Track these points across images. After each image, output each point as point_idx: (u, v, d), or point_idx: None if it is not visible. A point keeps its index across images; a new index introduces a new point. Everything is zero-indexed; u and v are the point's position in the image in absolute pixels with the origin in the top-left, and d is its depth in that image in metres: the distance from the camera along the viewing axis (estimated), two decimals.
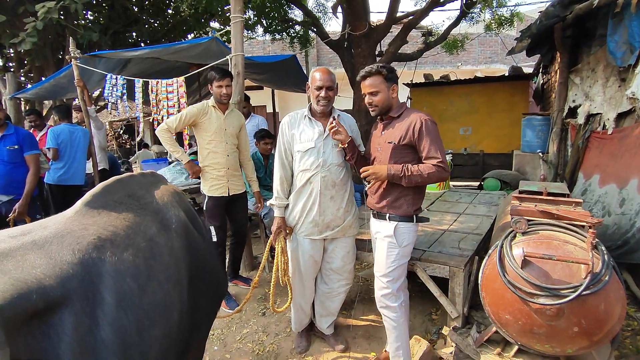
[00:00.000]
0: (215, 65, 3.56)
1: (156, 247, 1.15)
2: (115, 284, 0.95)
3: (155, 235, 1.18)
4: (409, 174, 2.05)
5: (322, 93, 2.28)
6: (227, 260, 3.59)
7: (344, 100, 5.96)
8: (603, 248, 1.74)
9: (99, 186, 1.21)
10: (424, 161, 2.09)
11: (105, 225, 1.07)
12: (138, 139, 11.86)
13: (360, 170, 2.18)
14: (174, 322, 1.12)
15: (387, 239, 2.18)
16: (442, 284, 2.57)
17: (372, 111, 2.20)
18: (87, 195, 1.16)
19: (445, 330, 2.50)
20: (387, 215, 2.18)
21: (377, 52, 6.21)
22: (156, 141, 13.89)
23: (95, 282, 0.92)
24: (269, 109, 11.27)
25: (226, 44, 4.61)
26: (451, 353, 2.37)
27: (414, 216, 2.18)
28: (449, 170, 2.07)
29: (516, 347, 2.07)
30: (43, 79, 6.29)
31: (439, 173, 2.03)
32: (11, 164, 3.46)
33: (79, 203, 1.13)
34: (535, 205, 2.06)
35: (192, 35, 8.23)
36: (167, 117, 4.10)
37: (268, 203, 2.51)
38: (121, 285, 0.97)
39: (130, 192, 1.28)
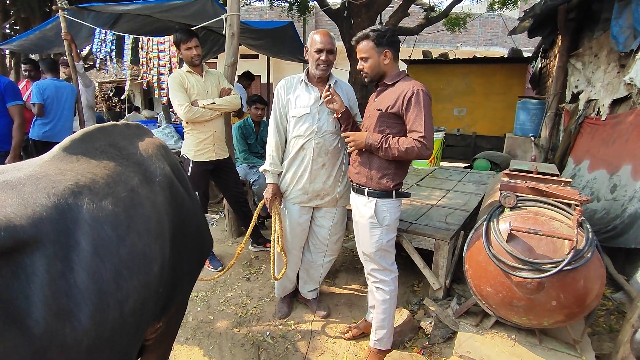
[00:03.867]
0: (183, 28, 3.36)
1: (137, 198, 1.11)
2: (92, 231, 0.92)
3: (137, 186, 1.14)
4: (386, 145, 1.92)
5: (323, 56, 2.20)
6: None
7: (340, 72, 5.85)
8: (588, 226, 1.75)
9: (79, 132, 1.15)
10: (407, 134, 1.94)
11: (84, 172, 1.03)
12: (123, 96, 11.56)
13: (342, 134, 2.13)
14: (154, 275, 1.10)
15: (370, 219, 2.07)
16: (427, 256, 2.59)
17: (364, 77, 2.11)
18: (66, 140, 1.10)
19: (426, 301, 2.55)
20: (366, 189, 2.07)
21: (376, 24, 6.06)
22: (147, 105, 13.63)
23: (71, 227, 0.89)
24: (264, 79, 11.06)
25: (222, 4, 4.44)
26: (430, 323, 2.42)
27: (394, 192, 2.05)
28: (432, 148, 1.89)
29: (494, 319, 2.12)
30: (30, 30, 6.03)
31: (418, 150, 1.86)
32: None
33: (56, 147, 1.07)
34: (525, 182, 2.06)
35: None
36: (158, 77, 4.00)
37: (261, 169, 2.45)
38: (98, 232, 0.94)
39: (112, 141, 1.22)
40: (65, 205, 0.90)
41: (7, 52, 6.67)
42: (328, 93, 2.13)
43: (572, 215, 1.79)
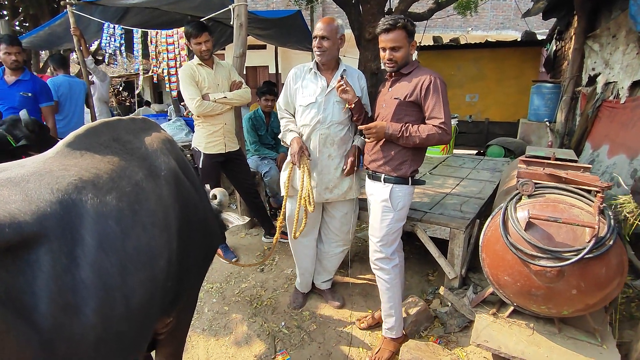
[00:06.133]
0: (194, 20, 3.32)
1: (142, 193, 1.11)
2: (96, 226, 0.92)
3: (141, 180, 1.13)
4: (407, 134, 1.98)
5: (316, 42, 2.20)
6: None
7: (350, 61, 5.77)
8: (610, 213, 1.70)
9: (83, 127, 1.15)
10: (426, 121, 2.01)
11: (88, 167, 1.02)
12: (136, 92, 11.63)
13: (360, 127, 2.11)
14: (161, 269, 1.10)
15: (383, 203, 2.12)
16: (441, 245, 2.57)
17: (389, 67, 2.07)
18: (70, 135, 1.10)
19: (442, 291, 2.53)
20: (383, 176, 2.11)
21: (386, 10, 5.94)
22: (156, 99, 13.69)
23: (75, 222, 0.89)
24: (272, 70, 11.00)
25: None
26: (446, 312, 2.41)
27: (410, 178, 2.11)
28: (451, 134, 1.98)
29: (511, 308, 2.09)
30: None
31: (439, 135, 1.95)
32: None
33: (60, 143, 1.07)
34: (543, 169, 2.00)
35: None
36: (167, 70, 3.99)
37: (280, 135, 2.40)
38: (103, 227, 0.94)
39: (116, 136, 1.22)
40: (69, 201, 0.90)
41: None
42: (341, 83, 2.10)
43: (593, 202, 1.75)
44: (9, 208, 0.79)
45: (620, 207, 1.94)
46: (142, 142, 1.30)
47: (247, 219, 1.98)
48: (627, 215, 1.91)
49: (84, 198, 0.94)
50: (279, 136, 2.43)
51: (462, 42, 8.35)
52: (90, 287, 0.86)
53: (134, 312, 0.97)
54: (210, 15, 3.74)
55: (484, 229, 2.04)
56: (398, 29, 1.96)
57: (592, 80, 4.57)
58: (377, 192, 2.15)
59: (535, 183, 1.94)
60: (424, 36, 8.41)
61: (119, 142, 1.21)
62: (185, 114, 7.15)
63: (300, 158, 2.24)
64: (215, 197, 1.88)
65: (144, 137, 1.33)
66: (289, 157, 2.36)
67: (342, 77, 2.16)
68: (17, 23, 7.95)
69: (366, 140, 2.17)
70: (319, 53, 2.22)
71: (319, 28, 2.18)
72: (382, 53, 2.06)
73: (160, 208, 1.16)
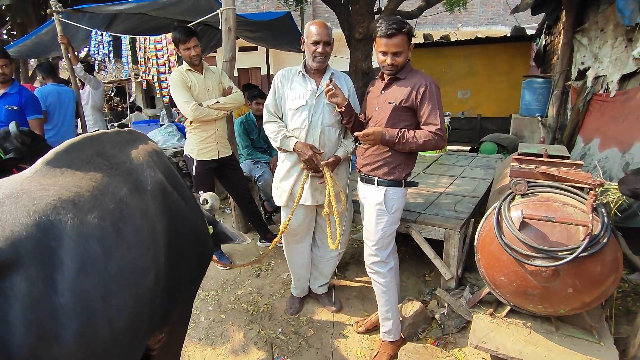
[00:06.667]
0: (181, 25, 3.27)
1: (127, 209, 1.07)
2: (76, 248, 0.88)
3: (126, 196, 1.10)
4: (404, 140, 1.98)
5: (319, 48, 2.15)
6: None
7: (341, 61, 5.75)
8: (603, 210, 1.70)
9: (65, 143, 1.10)
10: (422, 126, 2.01)
11: (68, 185, 0.98)
12: (130, 100, 11.55)
13: (356, 134, 2.06)
14: (147, 287, 1.07)
15: (377, 206, 2.10)
16: (437, 246, 2.56)
17: (388, 72, 2.03)
18: (50, 153, 1.06)
19: (439, 292, 2.52)
20: (376, 179, 2.10)
21: (375, 9, 5.93)
22: (149, 104, 13.60)
23: (54, 245, 0.85)
24: (263, 71, 10.96)
25: None
26: (443, 313, 2.40)
27: (403, 181, 2.11)
28: (446, 139, 2.02)
29: (508, 308, 2.08)
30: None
31: (435, 141, 1.97)
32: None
33: (39, 162, 1.03)
34: (536, 167, 2.00)
35: None
36: (158, 77, 3.95)
37: (277, 142, 2.29)
38: (84, 249, 0.90)
39: (100, 150, 1.18)
40: (47, 223, 0.87)
41: None
42: (330, 87, 2.07)
43: (586, 199, 1.74)
44: None
45: (604, 195, 1.95)
46: (128, 155, 1.27)
47: (249, 240, 1.95)
48: (610, 203, 1.92)
49: (64, 219, 0.90)
50: (274, 145, 2.32)
51: (453, 39, 8.38)
52: (70, 312, 0.83)
53: (119, 334, 0.95)
54: (199, 20, 3.71)
55: (478, 229, 2.04)
56: (401, 34, 1.91)
57: (582, 74, 4.59)
58: (371, 195, 2.13)
59: (528, 181, 1.94)
60: (414, 34, 8.40)
61: (102, 157, 1.18)
62: (177, 119, 7.11)
63: (318, 160, 2.19)
64: (206, 201, 1.86)
65: (130, 150, 1.30)
66: (286, 164, 2.32)
67: (330, 81, 2.13)
68: (4, 32, 7.86)
69: (362, 146, 2.14)
70: (321, 59, 2.18)
71: (320, 33, 2.14)
72: (381, 57, 2.00)
73: (146, 224, 1.13)
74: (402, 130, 1.99)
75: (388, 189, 2.08)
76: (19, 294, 0.76)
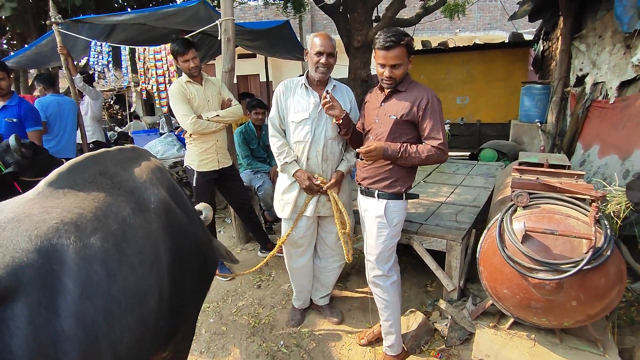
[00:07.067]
0: (180, 37, 3.29)
1: (130, 229, 1.07)
2: (79, 272, 0.88)
3: (129, 216, 1.10)
4: (407, 155, 1.95)
5: (323, 59, 2.15)
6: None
7: (339, 68, 5.76)
8: (606, 222, 1.70)
9: (67, 164, 1.10)
10: (423, 140, 1.99)
11: (71, 207, 0.98)
12: (132, 110, 11.56)
13: (358, 150, 2.02)
14: (151, 308, 1.06)
15: (378, 219, 2.08)
16: (439, 256, 2.55)
17: (386, 85, 2.00)
18: (53, 174, 1.06)
19: (441, 303, 2.50)
20: (376, 192, 2.07)
21: (373, 17, 5.96)
22: (148, 112, 13.62)
23: (56, 270, 0.85)
24: (262, 78, 10.99)
25: (215, 8, 4.38)
26: (446, 325, 2.38)
27: (404, 194, 2.09)
28: (448, 153, 2.00)
29: (512, 320, 2.07)
30: (26, 46, 6.00)
31: (438, 156, 1.95)
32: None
33: (41, 183, 1.03)
34: (537, 178, 1.99)
35: None
36: (157, 87, 3.96)
37: (279, 166, 2.34)
38: (87, 272, 0.90)
39: (103, 169, 1.18)
40: (49, 247, 0.86)
41: None
42: (327, 100, 2.04)
43: (588, 210, 1.74)
44: None
45: (609, 202, 1.93)
46: (131, 173, 1.27)
47: (238, 261, 1.98)
48: (613, 211, 1.90)
49: (66, 242, 0.90)
50: (278, 169, 2.39)
51: (451, 45, 8.40)
52: (73, 338, 0.82)
53: (122, 358, 0.94)
54: (198, 31, 3.72)
55: (480, 241, 2.03)
56: (400, 47, 1.88)
57: (580, 80, 4.59)
58: (372, 208, 2.11)
59: (530, 193, 1.93)
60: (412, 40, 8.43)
61: (105, 176, 1.18)
62: (178, 130, 7.11)
63: (317, 186, 2.26)
64: (200, 213, 1.84)
65: (133, 168, 1.30)
66: (287, 176, 2.33)
67: (327, 92, 2.09)
68: (4, 42, 7.88)
69: (364, 161, 2.08)
70: (324, 70, 2.18)
71: (324, 45, 2.13)
72: (380, 69, 1.98)
73: (149, 244, 1.13)
74: (405, 144, 1.97)
75: (389, 201, 2.06)
76: (21, 322, 0.75)
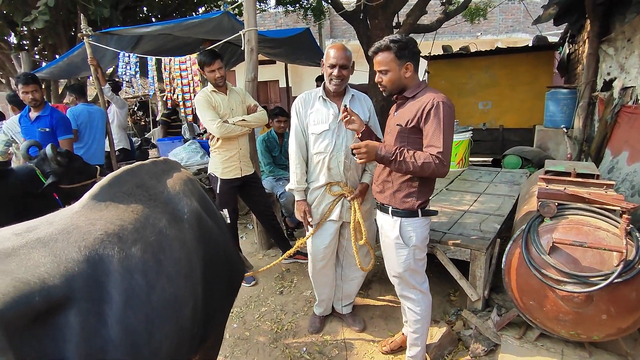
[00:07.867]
0: (206, 49, 3.36)
1: (166, 241, 1.12)
2: (123, 282, 0.92)
3: (165, 227, 1.14)
4: (400, 159, 1.77)
5: (335, 72, 2.16)
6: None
7: (360, 74, 5.78)
8: (637, 234, 1.65)
9: (107, 177, 1.16)
10: (424, 149, 1.80)
11: (113, 219, 1.03)
12: (158, 117, 11.84)
13: (350, 146, 1.94)
14: (187, 318, 1.10)
15: (395, 240, 1.97)
16: (462, 265, 2.52)
17: (382, 91, 1.97)
18: (95, 187, 1.12)
19: (465, 313, 2.48)
20: (390, 208, 1.96)
21: (394, 24, 5.97)
22: None
23: (102, 280, 0.89)
24: (282, 84, 11.11)
25: (238, 18, 4.47)
26: (470, 335, 2.36)
27: (419, 210, 1.93)
28: (448, 167, 1.78)
29: (538, 332, 2.03)
30: (57, 56, 6.25)
31: (435, 165, 1.73)
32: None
33: (86, 196, 1.09)
34: (565, 188, 1.96)
35: (203, 9, 8.04)
36: (182, 96, 4.07)
37: (287, 188, 2.46)
38: (129, 282, 0.94)
39: (139, 182, 1.23)
40: (96, 258, 0.91)
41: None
42: (345, 114, 2.01)
43: (619, 222, 1.70)
44: (39, 272, 0.80)
45: None
46: (165, 185, 1.32)
47: (252, 266, 2.03)
48: None
49: (110, 253, 0.95)
50: (286, 188, 2.52)
51: (472, 49, 8.30)
52: (119, 346, 0.87)
53: None
54: (223, 41, 3.81)
55: (505, 252, 2.01)
56: (383, 51, 1.85)
57: (608, 85, 4.48)
58: (387, 226, 2.03)
59: (557, 204, 1.90)
60: (433, 45, 8.39)
61: (142, 188, 1.23)
62: (205, 137, 7.23)
63: (309, 218, 2.38)
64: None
65: (166, 180, 1.36)
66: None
67: (345, 107, 2.06)
68: (36, 53, 8.21)
69: (357, 160, 1.92)
70: (338, 82, 2.18)
71: (337, 57, 2.13)
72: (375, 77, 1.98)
73: (184, 254, 1.17)
74: (401, 147, 1.81)
75: (403, 220, 1.94)
76: (74, 329, 0.79)
